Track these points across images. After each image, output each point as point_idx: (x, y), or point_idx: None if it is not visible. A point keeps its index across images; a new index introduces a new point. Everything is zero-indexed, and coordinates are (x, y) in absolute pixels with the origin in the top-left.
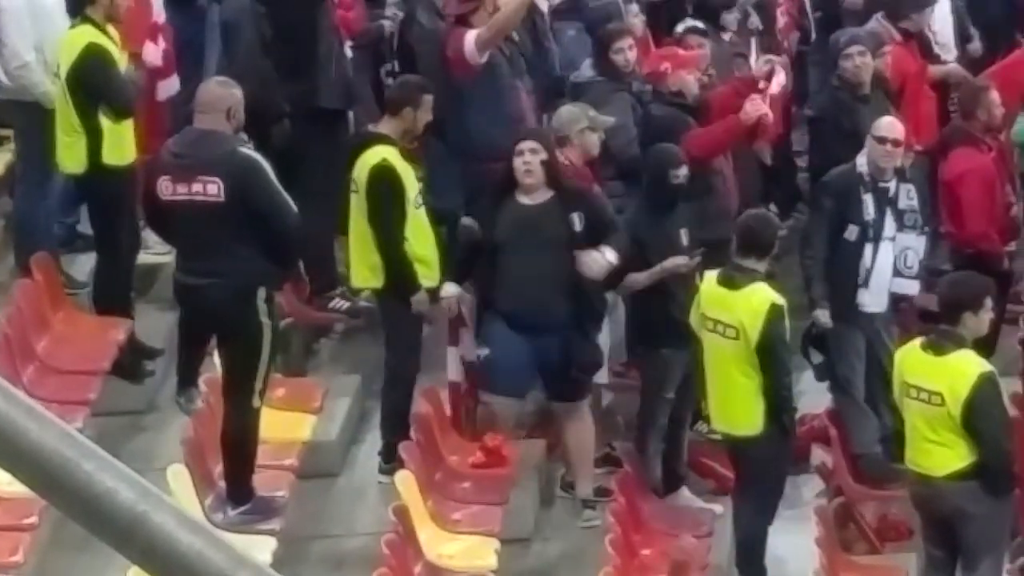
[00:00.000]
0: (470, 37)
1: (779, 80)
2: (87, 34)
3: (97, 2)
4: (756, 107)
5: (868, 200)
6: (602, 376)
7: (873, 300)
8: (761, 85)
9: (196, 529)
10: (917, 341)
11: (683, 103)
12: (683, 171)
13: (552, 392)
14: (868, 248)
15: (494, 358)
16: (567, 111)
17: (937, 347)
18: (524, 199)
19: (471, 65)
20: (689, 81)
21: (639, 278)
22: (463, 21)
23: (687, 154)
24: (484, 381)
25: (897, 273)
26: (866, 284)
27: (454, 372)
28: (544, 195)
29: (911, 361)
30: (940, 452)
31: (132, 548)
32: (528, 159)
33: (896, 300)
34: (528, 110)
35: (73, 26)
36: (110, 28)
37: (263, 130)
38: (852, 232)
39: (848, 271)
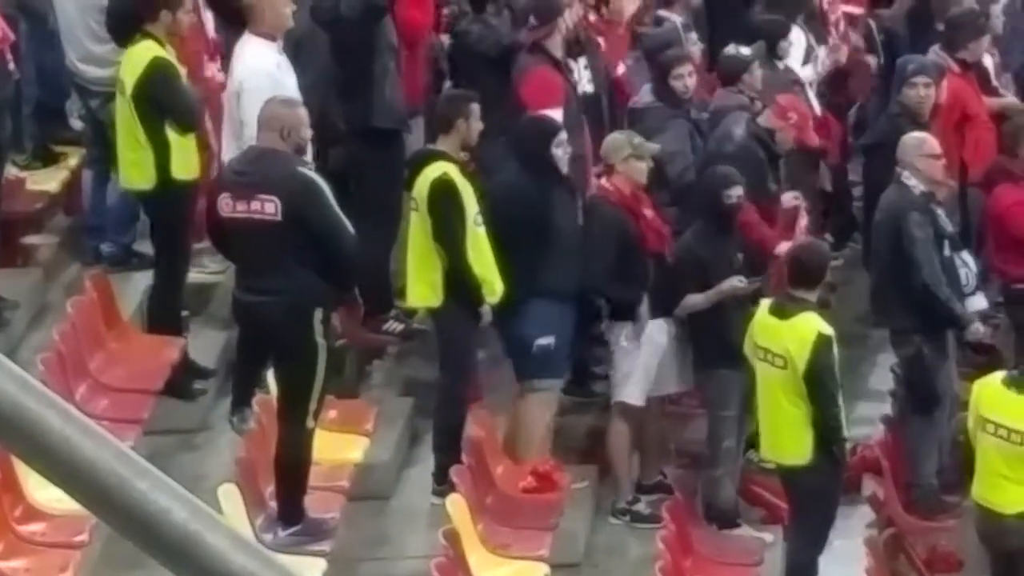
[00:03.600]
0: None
1: (802, 224)
2: (151, 49)
3: (159, 19)
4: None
5: (941, 214)
6: (635, 396)
7: (978, 302)
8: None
9: (249, 550)
10: (998, 375)
11: (768, 143)
12: (736, 191)
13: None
14: (957, 258)
15: (556, 343)
16: (612, 139)
17: (1020, 384)
18: (559, 184)
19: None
20: (789, 139)
21: (697, 299)
22: (538, 47)
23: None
24: (539, 369)
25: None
26: (973, 291)
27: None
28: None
29: (989, 395)
30: (1014, 490)
31: (185, 568)
32: (566, 150)
33: None
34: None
35: (134, 42)
36: (168, 46)
37: (322, 149)
38: (946, 247)
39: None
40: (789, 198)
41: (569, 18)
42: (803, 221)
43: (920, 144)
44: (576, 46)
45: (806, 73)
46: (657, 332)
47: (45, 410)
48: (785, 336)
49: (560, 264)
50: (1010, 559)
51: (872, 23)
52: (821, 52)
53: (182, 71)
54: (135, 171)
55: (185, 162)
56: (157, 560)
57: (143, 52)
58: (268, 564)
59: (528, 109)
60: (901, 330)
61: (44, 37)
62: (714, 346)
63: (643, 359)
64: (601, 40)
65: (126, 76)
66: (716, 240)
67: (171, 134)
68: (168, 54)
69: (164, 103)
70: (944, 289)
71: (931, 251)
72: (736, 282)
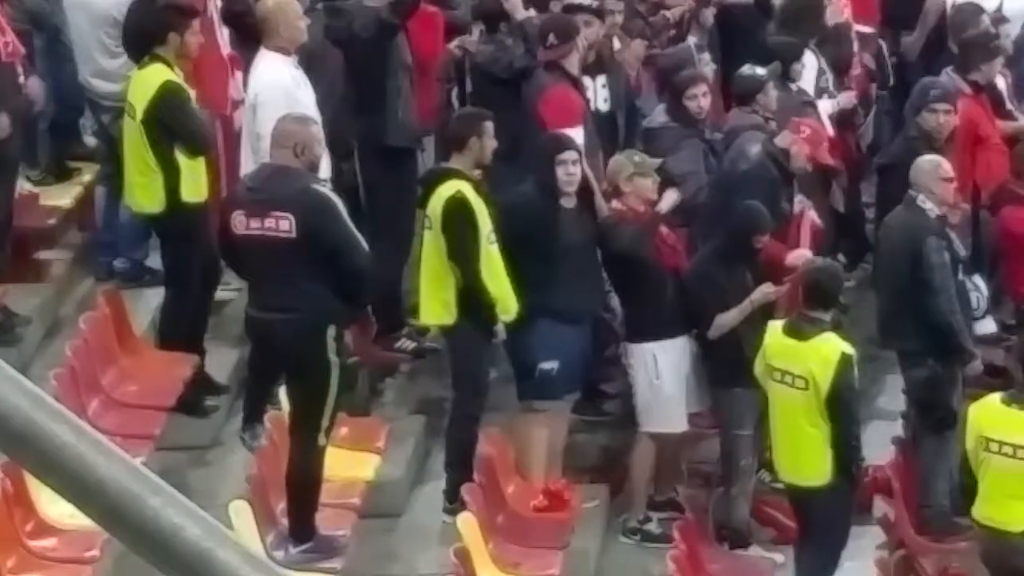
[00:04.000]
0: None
1: (809, 226)
2: (161, 73)
3: (168, 41)
4: (798, 257)
5: (954, 237)
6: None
7: (987, 325)
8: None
9: (261, 568)
10: (996, 396)
11: (782, 163)
12: (766, 239)
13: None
14: (968, 282)
15: (560, 366)
16: (613, 161)
17: (1021, 401)
18: (567, 204)
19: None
20: (803, 158)
21: (730, 316)
22: (555, 66)
23: None
24: (540, 391)
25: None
26: (983, 315)
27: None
28: (573, 200)
29: (990, 415)
30: (1021, 507)
31: None
32: (571, 170)
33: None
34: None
35: (143, 66)
36: (176, 68)
37: (335, 164)
38: (959, 271)
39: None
40: (798, 202)
41: (588, 37)
42: (809, 223)
43: (935, 168)
44: (596, 65)
45: (824, 106)
46: (677, 354)
47: (58, 426)
48: (806, 357)
49: (569, 284)
50: None
51: (883, 43)
52: (835, 98)
53: (192, 93)
54: (144, 194)
55: (195, 185)
56: None
57: (153, 76)
58: None
59: (547, 128)
60: (913, 352)
61: (59, 52)
62: (730, 364)
63: (670, 384)
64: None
65: (136, 100)
66: (735, 267)
67: (181, 157)
68: (178, 76)
69: (174, 127)
70: (959, 319)
71: (949, 278)
72: (767, 289)
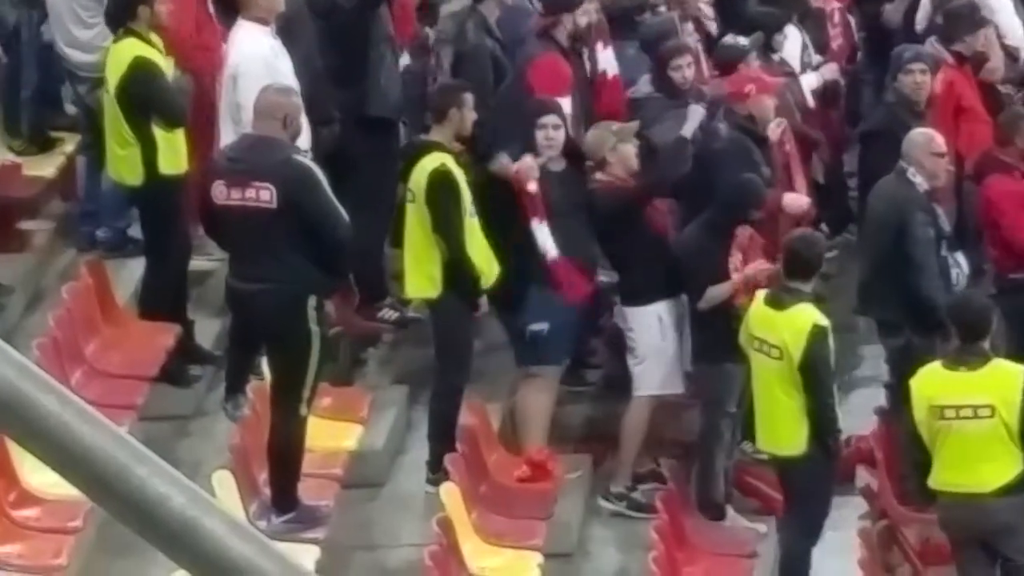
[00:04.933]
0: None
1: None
2: (133, 47)
3: (139, 14)
4: (795, 202)
5: (940, 212)
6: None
7: None
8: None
9: (247, 537)
10: (936, 363)
11: (751, 129)
12: (759, 214)
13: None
14: (950, 258)
15: (551, 330)
16: (593, 136)
17: (969, 363)
18: (554, 167)
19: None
20: (768, 108)
21: (722, 289)
22: (546, 35)
23: None
24: (535, 355)
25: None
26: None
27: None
28: (561, 163)
29: (936, 382)
30: (989, 468)
31: (182, 554)
32: (551, 134)
33: None
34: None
35: (117, 40)
36: (154, 37)
37: (312, 131)
38: (942, 246)
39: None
40: (773, 127)
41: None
42: (795, 160)
43: (928, 141)
44: (578, 41)
45: (807, 80)
46: (678, 313)
47: (44, 395)
48: (781, 327)
49: (559, 248)
50: (987, 542)
51: (851, 18)
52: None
53: (168, 63)
54: (124, 166)
55: (173, 157)
56: (155, 546)
57: (125, 50)
58: (266, 550)
59: (535, 95)
60: (891, 322)
61: (41, 21)
62: (720, 340)
63: (674, 344)
64: None
65: (109, 75)
66: (728, 240)
67: (157, 130)
68: (151, 51)
69: (147, 101)
70: (940, 295)
71: (932, 254)
72: (760, 265)
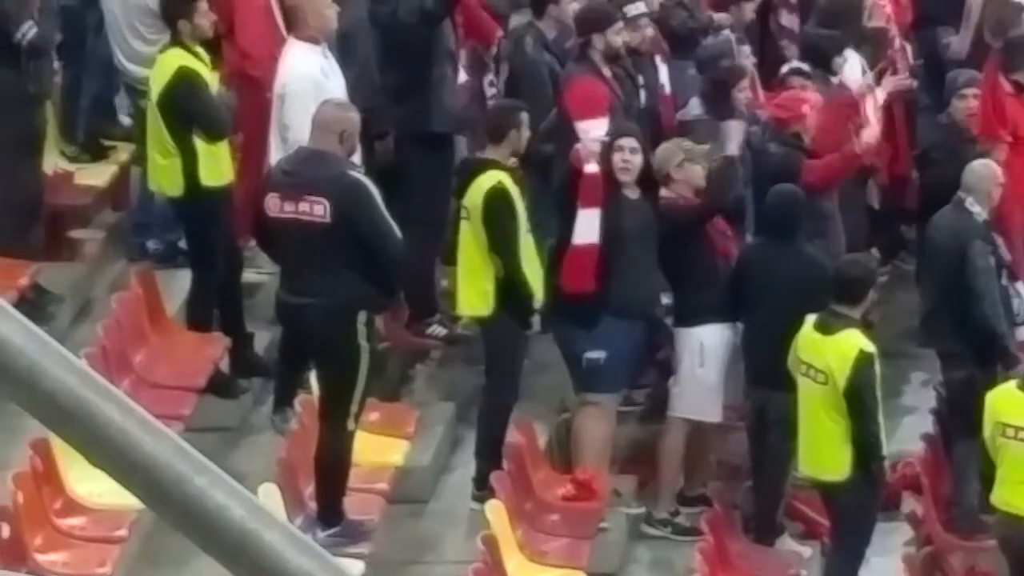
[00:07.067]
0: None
1: (884, 89)
2: (177, 57)
3: (179, 29)
4: (871, 134)
5: (1000, 243)
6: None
7: None
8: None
9: (307, 550)
10: (1013, 382)
11: (799, 145)
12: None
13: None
14: (1011, 288)
15: (608, 358)
16: (662, 150)
17: None
18: (629, 193)
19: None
20: (812, 126)
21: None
22: (584, 57)
23: (805, 185)
24: (591, 383)
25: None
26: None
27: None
28: (636, 191)
29: (1007, 402)
30: None
31: (241, 566)
32: (628, 156)
33: None
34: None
35: (163, 49)
36: (199, 49)
37: (367, 145)
38: (1003, 276)
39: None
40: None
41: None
42: (870, 106)
43: (988, 171)
44: (618, 60)
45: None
46: (722, 342)
47: (105, 403)
48: (827, 352)
49: (626, 277)
50: None
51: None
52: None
53: (213, 76)
54: (164, 177)
55: (215, 169)
56: (214, 557)
57: (170, 60)
58: (325, 564)
59: (569, 117)
60: (953, 354)
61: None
62: (781, 367)
63: (713, 373)
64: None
65: (153, 84)
66: (784, 251)
67: (199, 141)
68: (196, 62)
69: (189, 112)
70: (1002, 324)
71: (993, 282)
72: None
